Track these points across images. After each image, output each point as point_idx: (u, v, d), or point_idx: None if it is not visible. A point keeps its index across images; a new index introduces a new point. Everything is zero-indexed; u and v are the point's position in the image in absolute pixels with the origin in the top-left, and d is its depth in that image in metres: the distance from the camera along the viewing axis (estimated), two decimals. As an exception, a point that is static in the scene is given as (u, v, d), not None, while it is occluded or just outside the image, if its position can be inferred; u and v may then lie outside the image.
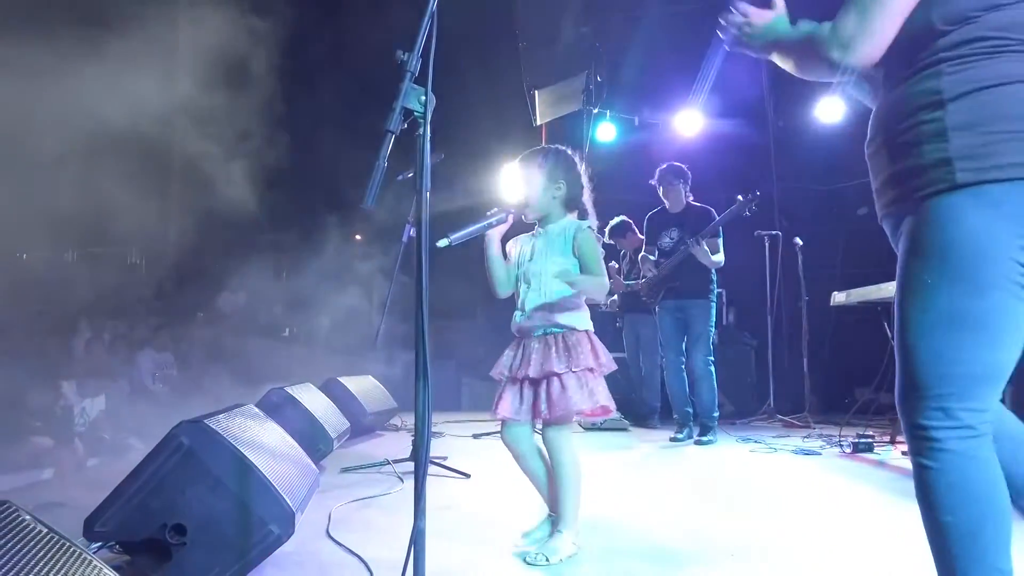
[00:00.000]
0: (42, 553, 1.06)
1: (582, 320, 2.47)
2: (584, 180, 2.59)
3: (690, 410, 5.54)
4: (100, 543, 1.96)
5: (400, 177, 4.20)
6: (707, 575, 2.22)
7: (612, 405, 2.42)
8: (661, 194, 5.71)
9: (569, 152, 2.61)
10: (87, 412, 6.73)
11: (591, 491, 2.96)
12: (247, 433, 2.23)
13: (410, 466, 3.98)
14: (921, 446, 1.43)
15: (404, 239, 4.07)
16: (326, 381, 5.05)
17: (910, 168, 1.45)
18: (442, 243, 2.35)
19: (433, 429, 5.94)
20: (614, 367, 2.45)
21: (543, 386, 2.38)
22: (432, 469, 3.88)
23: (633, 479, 4.03)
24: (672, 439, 5.45)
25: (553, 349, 2.39)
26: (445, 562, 2.31)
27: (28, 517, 1.13)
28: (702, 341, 5.44)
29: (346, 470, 3.82)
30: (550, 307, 2.43)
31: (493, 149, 6.29)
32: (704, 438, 5.29)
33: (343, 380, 5.21)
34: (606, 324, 7.50)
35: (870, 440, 4.73)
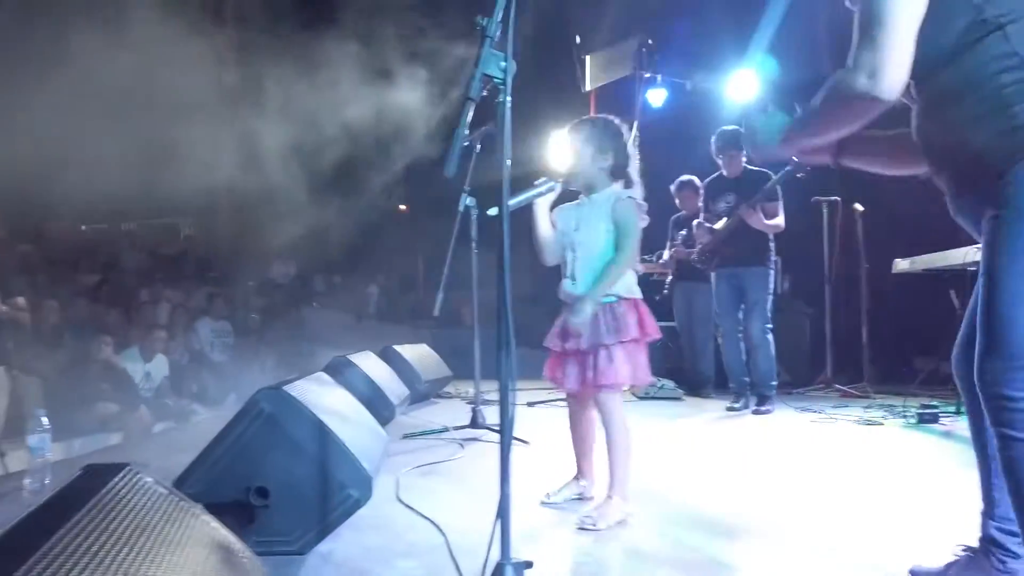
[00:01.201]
0: (166, 513, 1.10)
1: (629, 288, 2.48)
2: (631, 149, 2.57)
3: (747, 379, 5.48)
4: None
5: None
6: (765, 547, 2.20)
7: (650, 376, 2.50)
8: (718, 159, 5.60)
9: (617, 122, 2.59)
10: (152, 377, 6.94)
11: (644, 460, 2.96)
12: (322, 400, 2.27)
13: (469, 433, 4.03)
14: (1010, 417, 1.39)
15: (460, 208, 4.08)
16: (383, 349, 5.13)
17: (1000, 132, 1.39)
18: (492, 212, 2.35)
19: (485, 397, 5.99)
20: (659, 336, 2.48)
21: (590, 356, 2.39)
22: (488, 435, 3.92)
23: (688, 448, 4.02)
24: (729, 408, 5.40)
25: (602, 320, 2.40)
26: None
27: (149, 480, 1.17)
28: (759, 309, 5.36)
29: (407, 436, 3.88)
30: (597, 274, 2.43)
31: (541, 115, 6.21)
32: (762, 408, 5.24)
33: (399, 348, 5.27)
34: (651, 292, 7.45)
35: (935, 411, 4.63)
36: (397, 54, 6.45)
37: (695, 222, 5.79)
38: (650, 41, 7.10)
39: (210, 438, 2.05)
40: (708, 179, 5.82)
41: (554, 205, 2.61)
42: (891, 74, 1.42)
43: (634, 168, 2.55)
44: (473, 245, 4.09)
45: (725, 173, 5.62)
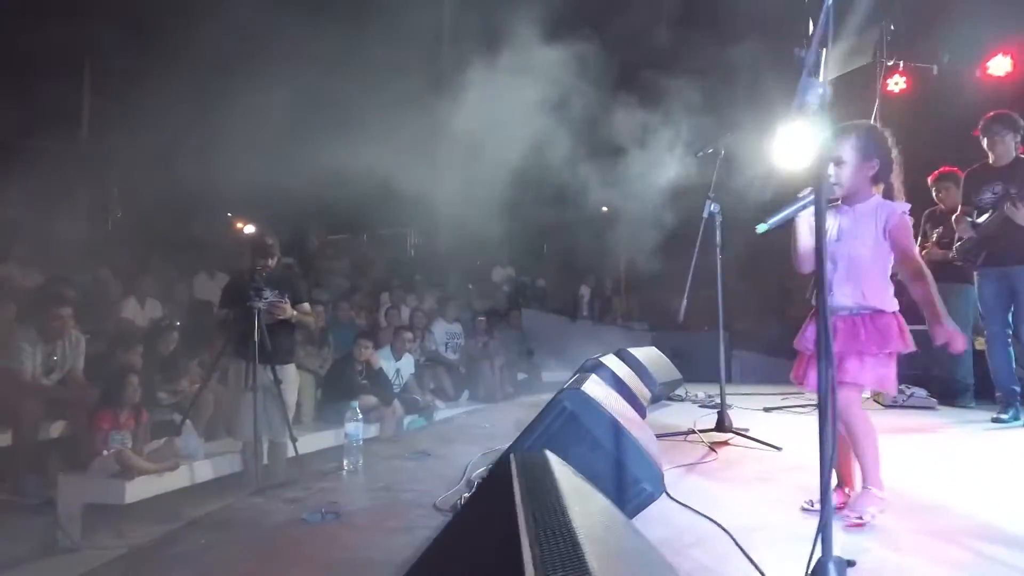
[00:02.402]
0: (580, 494, 1.30)
1: (890, 301, 2.47)
2: (895, 155, 2.50)
3: (1017, 388, 4.98)
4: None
5: (699, 153, 4.26)
6: None
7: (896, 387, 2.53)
8: (985, 146, 5.14)
9: (880, 127, 2.59)
10: (401, 375, 7.65)
11: (896, 471, 2.84)
12: (607, 400, 2.45)
13: (715, 436, 4.06)
14: None
15: (705, 215, 4.13)
16: (618, 351, 5.28)
17: None
18: (761, 228, 2.40)
19: (717, 401, 5.96)
20: (913, 348, 2.44)
21: (841, 359, 2.40)
22: (739, 440, 3.93)
23: (943, 460, 3.76)
24: (994, 420, 4.94)
25: (862, 331, 2.41)
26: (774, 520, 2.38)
27: (555, 460, 1.38)
28: (1031, 311, 4.85)
29: (658, 436, 3.99)
30: (859, 289, 2.43)
31: (779, 114, 6.03)
32: (1006, 416, 4.75)
33: (633, 351, 5.40)
34: (901, 293, 6.95)
35: None
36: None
37: (955, 215, 5.35)
38: (892, 27, 6.65)
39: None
40: (970, 168, 5.35)
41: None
42: None
43: (897, 175, 2.50)
44: (718, 251, 4.11)
45: (991, 160, 5.15)
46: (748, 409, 5.57)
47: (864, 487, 2.43)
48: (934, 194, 6.16)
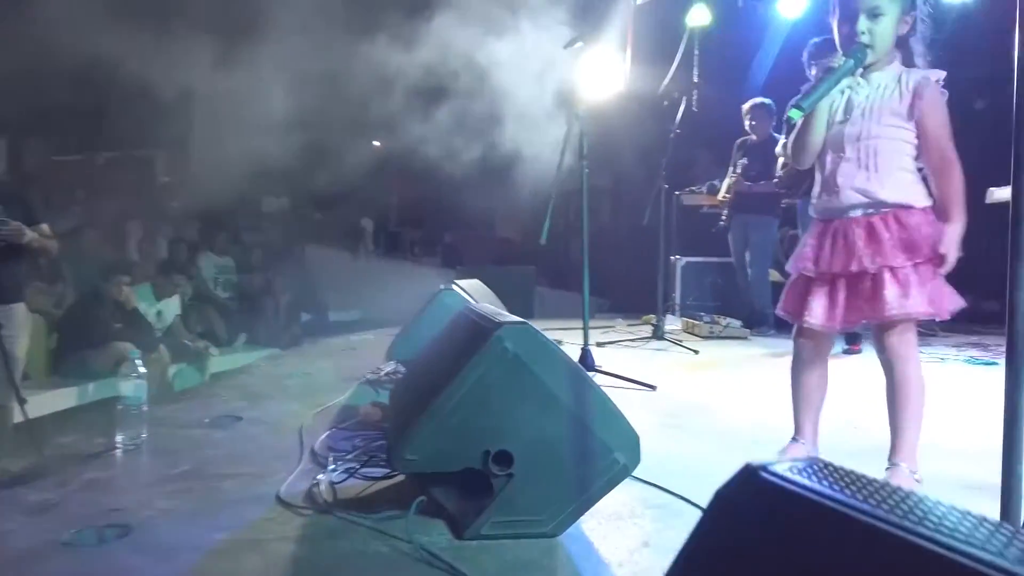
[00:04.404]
0: None
1: (921, 195, 1.92)
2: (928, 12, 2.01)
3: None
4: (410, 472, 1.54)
5: (567, 47, 3.63)
6: None
7: (957, 304, 1.91)
8: (812, 75, 5.07)
9: None
10: (164, 317, 6.32)
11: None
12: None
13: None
14: None
15: (567, 138, 3.52)
16: (447, 284, 4.58)
17: None
18: (795, 115, 1.85)
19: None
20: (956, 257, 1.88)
21: (868, 282, 1.88)
22: (610, 381, 3.47)
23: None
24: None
25: (886, 235, 1.88)
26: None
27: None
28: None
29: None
30: (878, 179, 1.90)
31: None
32: (854, 348, 4.86)
33: (461, 283, 4.75)
34: (704, 225, 7.01)
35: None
36: None
37: (783, 141, 5.29)
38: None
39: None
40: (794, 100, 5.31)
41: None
42: None
43: (920, 41, 1.98)
44: (584, 164, 3.54)
45: (815, 91, 5.13)
46: (578, 344, 5.19)
47: (896, 463, 1.88)
48: (746, 123, 6.15)
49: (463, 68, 5.44)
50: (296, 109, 6.42)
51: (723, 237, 6.52)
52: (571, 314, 7.20)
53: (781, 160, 5.36)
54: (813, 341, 2.07)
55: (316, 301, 9.15)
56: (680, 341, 5.04)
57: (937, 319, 1.90)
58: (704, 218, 7.03)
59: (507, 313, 1.74)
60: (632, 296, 8.03)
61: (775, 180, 5.44)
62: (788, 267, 2.08)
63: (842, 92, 1.94)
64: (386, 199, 13.54)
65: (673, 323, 6.38)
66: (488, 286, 6.06)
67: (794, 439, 2.11)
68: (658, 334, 5.20)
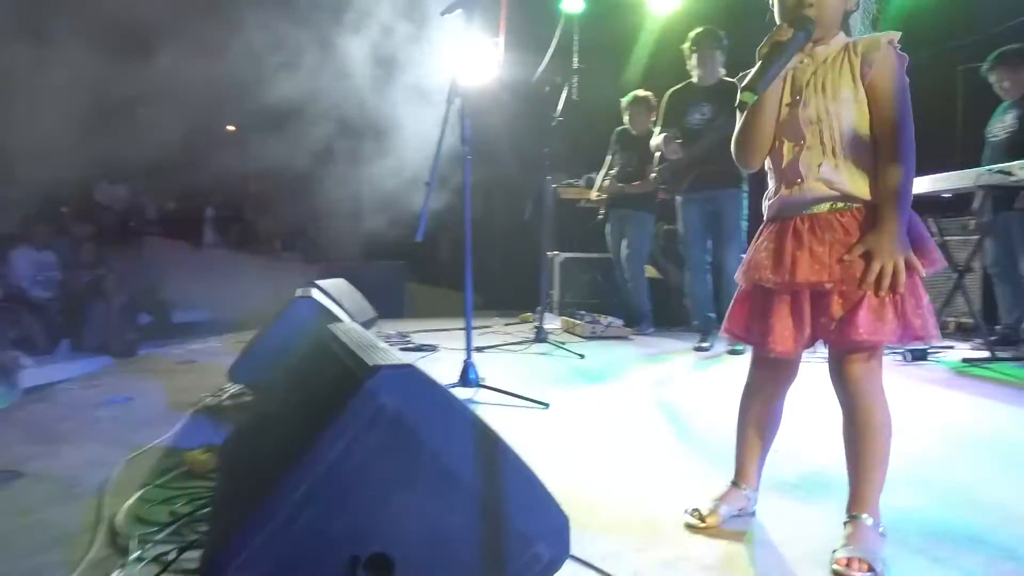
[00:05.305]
0: None
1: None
2: None
3: (713, 315, 4.93)
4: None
5: (444, 13, 3.15)
6: None
7: (937, 332, 1.54)
8: (695, 62, 4.89)
9: None
10: (-41, 326, 5.30)
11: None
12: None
13: (461, 393, 3.12)
14: None
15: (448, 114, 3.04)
16: (308, 286, 4.00)
17: None
18: (749, 99, 1.48)
19: (420, 341, 5.04)
20: (945, 264, 1.60)
21: (837, 296, 1.51)
22: (497, 398, 3.05)
23: (705, 398, 3.38)
24: (697, 349, 4.84)
25: (854, 237, 1.52)
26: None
27: None
28: (736, 237, 4.80)
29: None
30: (844, 168, 1.55)
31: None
32: (739, 347, 4.72)
33: (323, 284, 4.18)
34: (580, 221, 6.76)
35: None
36: None
37: (662, 136, 5.07)
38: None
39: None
40: (673, 88, 5.11)
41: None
42: None
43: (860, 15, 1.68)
44: (467, 149, 3.08)
45: (696, 79, 4.94)
46: (460, 350, 4.73)
47: (857, 515, 1.52)
48: (625, 117, 5.95)
49: (323, 41, 4.88)
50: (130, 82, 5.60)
51: (601, 232, 6.30)
52: (445, 312, 6.75)
53: (658, 155, 5.16)
54: (774, 371, 1.71)
55: (157, 301, 8.17)
56: (563, 344, 4.70)
57: (923, 344, 1.58)
58: (582, 212, 6.79)
59: (387, 350, 1.26)
60: (507, 292, 7.70)
61: (653, 175, 5.23)
62: (737, 276, 1.70)
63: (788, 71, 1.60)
64: (242, 187, 12.51)
65: (552, 322, 6.08)
66: (355, 284, 5.53)
67: (734, 484, 1.76)
68: (540, 336, 4.85)
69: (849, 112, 1.55)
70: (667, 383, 3.75)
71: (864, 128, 1.55)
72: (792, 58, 1.53)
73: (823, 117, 1.56)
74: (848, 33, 1.65)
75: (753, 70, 1.53)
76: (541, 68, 6.86)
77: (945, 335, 5.21)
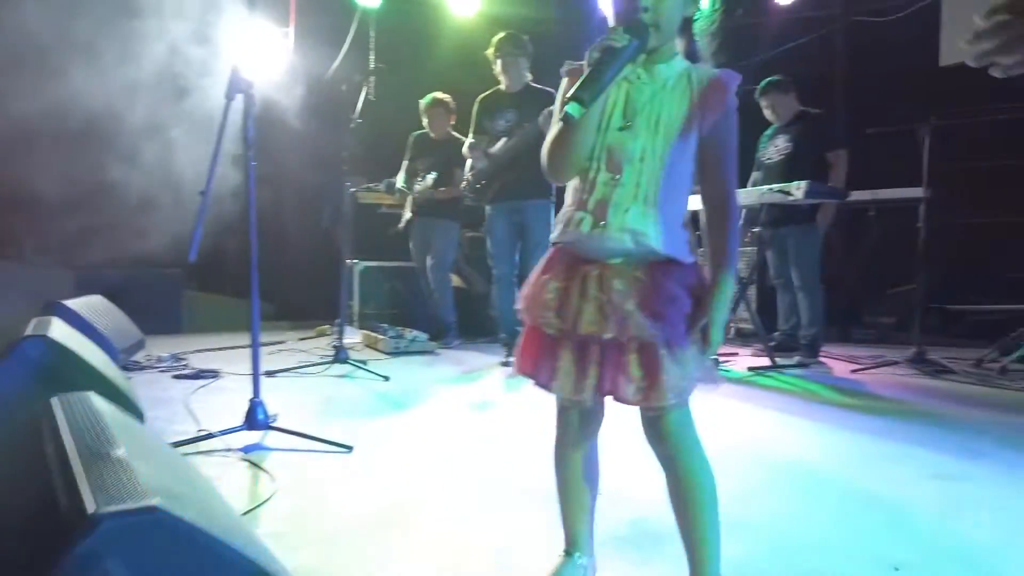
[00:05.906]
0: None
1: (686, 245, 1.43)
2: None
3: (520, 329, 4.83)
4: None
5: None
6: None
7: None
8: (499, 68, 4.76)
9: None
10: None
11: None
12: (174, 470, 0.95)
13: (247, 437, 2.68)
14: None
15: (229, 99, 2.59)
16: (46, 307, 3.31)
17: None
18: (576, 111, 1.26)
19: (199, 366, 4.42)
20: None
21: (633, 355, 1.33)
22: (291, 441, 2.65)
23: (527, 426, 3.23)
24: (504, 363, 4.72)
25: (658, 297, 1.34)
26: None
27: None
28: (541, 249, 4.69)
29: (176, 444, 2.40)
30: (653, 221, 1.37)
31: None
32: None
33: (71, 304, 3.51)
34: (383, 227, 6.43)
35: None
36: None
37: (468, 143, 4.89)
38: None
39: None
40: (481, 95, 4.97)
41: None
42: None
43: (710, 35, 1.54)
44: (250, 154, 2.64)
45: (504, 87, 4.83)
46: (242, 375, 4.19)
47: None
48: (424, 120, 5.74)
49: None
50: None
51: (403, 239, 6.01)
52: (229, 325, 6.09)
53: (469, 162, 4.98)
54: (579, 415, 1.51)
55: None
56: (365, 364, 4.34)
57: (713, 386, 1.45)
58: (382, 218, 6.45)
59: (126, 464, 0.88)
60: (301, 301, 7.15)
61: (463, 184, 5.04)
62: (519, 307, 1.49)
63: (618, 85, 1.41)
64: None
65: (352, 336, 5.69)
66: (120, 296, 4.74)
67: (567, 554, 1.55)
68: (340, 356, 4.45)
69: (676, 160, 1.38)
70: (479, 409, 3.54)
71: (686, 178, 1.41)
72: (624, 67, 1.34)
73: (646, 157, 1.37)
74: (694, 50, 1.50)
75: (580, 78, 1.32)
76: (336, 63, 6.43)
77: (727, 340, 5.54)
